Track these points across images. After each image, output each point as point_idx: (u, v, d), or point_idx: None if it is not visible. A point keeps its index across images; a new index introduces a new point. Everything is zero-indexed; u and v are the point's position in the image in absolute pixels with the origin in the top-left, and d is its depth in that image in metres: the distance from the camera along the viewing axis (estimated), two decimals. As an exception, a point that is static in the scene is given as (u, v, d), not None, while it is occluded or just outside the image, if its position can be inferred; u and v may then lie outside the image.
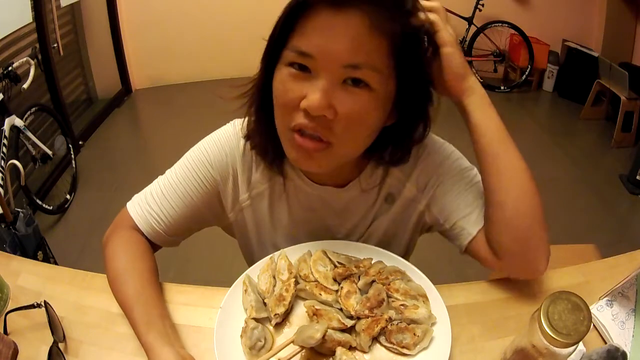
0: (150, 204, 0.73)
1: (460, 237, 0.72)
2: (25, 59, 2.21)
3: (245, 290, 0.65)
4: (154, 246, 0.75)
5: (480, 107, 0.65)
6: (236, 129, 0.74)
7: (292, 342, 0.57)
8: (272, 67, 0.60)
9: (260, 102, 0.65)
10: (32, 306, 0.62)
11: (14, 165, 2.04)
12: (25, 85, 2.17)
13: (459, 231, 0.71)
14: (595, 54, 3.44)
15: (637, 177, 2.57)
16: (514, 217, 0.64)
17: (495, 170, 0.65)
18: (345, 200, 0.75)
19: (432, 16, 0.61)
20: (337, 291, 0.65)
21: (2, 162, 1.98)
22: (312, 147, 0.58)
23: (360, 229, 0.77)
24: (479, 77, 0.64)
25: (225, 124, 0.75)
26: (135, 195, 0.76)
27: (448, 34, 0.62)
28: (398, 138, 0.66)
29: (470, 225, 0.70)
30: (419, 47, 0.59)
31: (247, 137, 0.71)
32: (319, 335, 0.55)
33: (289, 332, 0.62)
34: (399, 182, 0.75)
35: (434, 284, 0.66)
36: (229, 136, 0.74)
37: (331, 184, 0.73)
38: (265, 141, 0.68)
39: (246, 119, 0.70)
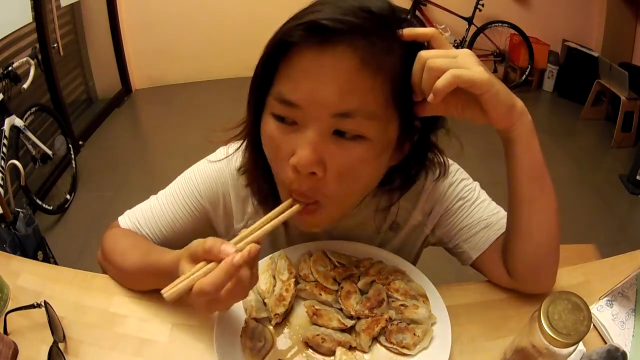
0: (140, 221, 0.73)
1: (462, 256, 0.73)
2: (25, 59, 2.21)
3: (245, 290, 0.65)
4: None
5: (525, 138, 0.57)
6: (228, 158, 0.72)
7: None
8: (259, 112, 0.55)
9: (254, 150, 0.61)
10: (32, 306, 0.62)
11: (14, 165, 2.03)
12: (25, 85, 2.16)
13: (461, 251, 0.73)
14: (595, 54, 3.43)
15: (637, 177, 2.57)
16: (535, 250, 0.64)
17: (527, 207, 0.62)
18: (348, 228, 0.73)
19: (466, 75, 0.48)
20: (337, 291, 0.65)
21: (2, 162, 1.98)
22: (304, 210, 0.54)
23: None
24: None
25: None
26: (127, 211, 0.76)
27: (480, 75, 0.48)
28: (404, 173, 0.63)
29: (471, 248, 0.71)
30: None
31: (248, 183, 0.68)
32: None
33: (289, 332, 0.62)
34: (405, 211, 0.73)
35: (434, 284, 0.66)
36: (220, 166, 0.72)
37: None
38: (266, 189, 0.64)
39: (239, 156, 0.68)
